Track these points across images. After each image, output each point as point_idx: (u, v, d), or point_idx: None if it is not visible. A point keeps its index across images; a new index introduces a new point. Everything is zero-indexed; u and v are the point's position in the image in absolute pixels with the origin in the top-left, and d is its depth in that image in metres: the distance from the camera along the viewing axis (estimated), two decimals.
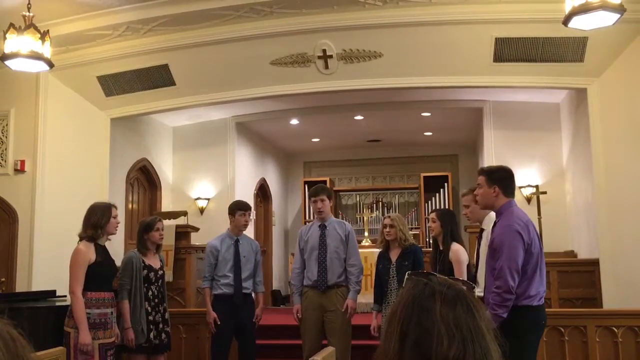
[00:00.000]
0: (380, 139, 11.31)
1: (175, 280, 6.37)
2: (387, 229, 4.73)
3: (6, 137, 6.29)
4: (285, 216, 12.25)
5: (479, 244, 4.09)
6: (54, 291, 5.18)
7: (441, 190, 11.34)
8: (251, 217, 8.88)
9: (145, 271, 4.54)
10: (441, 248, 4.55)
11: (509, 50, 5.88)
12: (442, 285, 1.15)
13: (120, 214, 5.06)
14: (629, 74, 5.83)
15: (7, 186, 6.19)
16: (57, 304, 4.70)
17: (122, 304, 4.41)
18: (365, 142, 11.48)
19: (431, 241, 5.71)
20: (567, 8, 4.23)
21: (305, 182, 11.72)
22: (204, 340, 5.35)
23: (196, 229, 6.95)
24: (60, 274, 4.76)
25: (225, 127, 9.31)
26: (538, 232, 3.59)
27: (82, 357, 3.93)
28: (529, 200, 7.81)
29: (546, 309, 3.58)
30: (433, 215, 4.69)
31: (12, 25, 4.67)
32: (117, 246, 6.65)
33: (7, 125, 6.29)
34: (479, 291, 3.65)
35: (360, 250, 5.18)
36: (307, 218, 11.38)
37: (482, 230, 4.13)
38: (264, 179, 10.89)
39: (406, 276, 1.26)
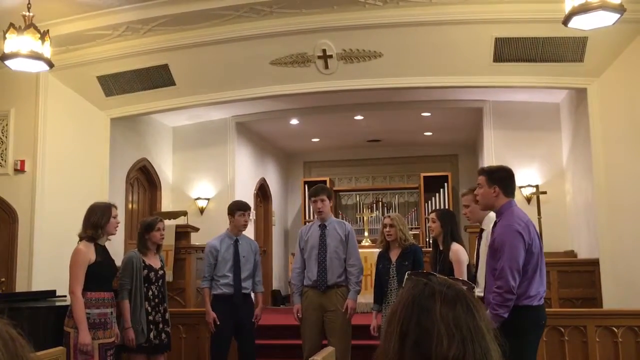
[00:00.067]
0: (380, 139, 11.31)
1: (175, 280, 6.37)
2: (387, 229, 4.73)
3: (6, 137, 6.29)
4: (285, 216, 12.25)
5: (479, 244, 4.09)
6: (54, 291, 5.18)
7: (441, 190, 11.34)
8: (251, 217, 8.91)
9: (146, 271, 4.54)
10: (441, 248, 4.55)
11: (509, 50, 5.88)
12: (441, 285, 1.15)
13: (120, 214, 5.06)
14: (629, 74, 5.83)
15: (7, 186, 6.19)
16: (57, 304, 4.70)
17: (123, 303, 4.42)
18: (365, 142, 11.48)
19: (431, 241, 5.71)
20: (567, 8, 4.23)
21: (305, 182, 11.72)
22: (204, 340, 5.35)
23: (196, 229, 6.95)
24: (60, 274, 4.76)
25: (225, 127, 9.31)
26: (538, 232, 3.59)
27: (82, 357, 3.93)
28: (529, 200, 7.81)
29: (546, 309, 3.58)
30: (433, 215, 4.69)
31: (12, 25, 4.67)
32: (117, 246, 6.65)
33: (7, 125, 6.29)
34: (478, 291, 3.65)
35: (360, 250, 5.18)
36: (307, 218, 11.38)
37: (482, 230, 4.13)
38: (264, 179, 10.89)
39: (406, 276, 1.26)
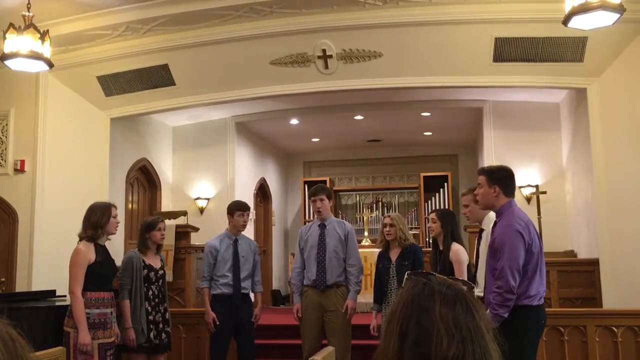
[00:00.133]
0: (380, 139, 11.31)
1: (175, 280, 6.37)
2: (387, 229, 4.73)
3: (6, 137, 6.29)
4: (285, 216, 12.25)
5: (479, 244, 4.10)
6: (54, 291, 5.18)
7: (441, 190, 11.34)
8: (251, 217, 8.90)
9: (146, 271, 4.54)
10: (441, 248, 4.55)
11: (509, 50, 5.88)
12: (441, 285, 1.15)
13: (120, 214, 5.06)
14: (628, 74, 5.83)
15: (7, 186, 6.19)
16: (57, 303, 4.71)
17: (123, 303, 4.42)
18: (365, 142, 11.48)
19: (431, 241, 5.71)
20: (567, 8, 4.23)
21: (305, 182, 11.72)
22: (204, 340, 5.35)
23: (196, 229, 6.95)
24: (60, 274, 4.76)
25: (225, 127, 9.31)
26: (538, 232, 3.59)
27: (82, 357, 3.93)
28: (528, 200, 7.81)
29: (546, 309, 3.58)
30: (433, 215, 4.69)
31: (11, 25, 4.67)
32: (117, 246, 6.65)
33: (7, 125, 6.29)
34: (478, 291, 3.65)
35: (360, 250, 5.18)
36: (307, 218, 11.38)
37: (481, 230, 4.13)
38: (264, 178, 10.89)
39: (405, 276, 1.26)
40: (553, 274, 6.18)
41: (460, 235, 4.72)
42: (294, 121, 9.78)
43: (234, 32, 6.03)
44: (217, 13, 5.77)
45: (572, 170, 7.44)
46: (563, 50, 5.77)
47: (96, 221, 4.16)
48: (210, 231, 6.40)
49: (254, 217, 9.99)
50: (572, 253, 7.30)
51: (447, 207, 10.69)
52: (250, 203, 9.58)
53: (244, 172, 9.75)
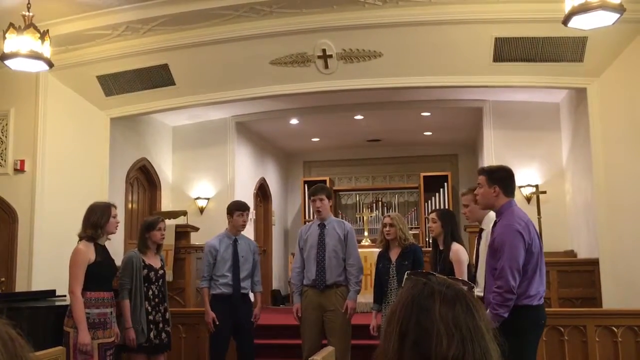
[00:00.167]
0: (380, 139, 11.31)
1: (175, 280, 6.37)
2: (387, 229, 4.73)
3: (6, 136, 6.29)
4: (285, 216, 12.25)
5: (478, 244, 4.09)
6: (54, 291, 5.18)
7: (441, 190, 11.34)
8: (251, 217, 8.90)
9: (146, 271, 4.54)
10: (441, 248, 4.55)
11: (509, 50, 5.88)
12: (441, 284, 1.15)
13: (120, 214, 5.06)
14: (628, 74, 5.83)
15: (6, 186, 6.19)
16: (57, 303, 4.71)
17: (123, 303, 4.42)
18: (365, 142, 11.48)
19: (430, 241, 5.71)
20: (567, 8, 4.23)
21: (305, 182, 11.72)
22: (204, 340, 5.35)
23: (196, 229, 6.95)
24: (60, 274, 4.76)
25: (225, 127, 9.31)
26: (538, 231, 3.59)
27: (82, 356, 3.93)
28: (528, 199, 7.81)
29: (546, 309, 3.58)
30: (433, 215, 4.68)
31: (11, 25, 4.67)
32: (117, 246, 6.65)
33: (6, 125, 6.29)
34: (478, 291, 3.65)
35: (360, 250, 5.17)
36: (307, 218, 11.37)
37: (481, 230, 4.13)
38: (264, 178, 10.89)
39: (405, 276, 1.26)
40: (553, 274, 6.18)
41: (460, 235, 4.72)
42: (294, 121, 9.78)
43: (234, 32, 6.03)
44: (217, 13, 5.77)
45: (572, 170, 7.44)
46: (563, 50, 5.77)
47: (96, 221, 4.16)
48: (210, 231, 6.39)
49: (254, 217, 9.99)
50: (572, 253, 7.30)
51: (447, 207, 10.69)
52: (250, 203, 9.57)
53: (243, 172, 9.75)
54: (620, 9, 4.10)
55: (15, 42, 4.65)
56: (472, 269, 4.27)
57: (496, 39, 5.79)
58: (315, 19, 5.85)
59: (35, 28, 4.71)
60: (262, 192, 10.92)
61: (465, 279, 4.06)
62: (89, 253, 4.10)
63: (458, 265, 4.37)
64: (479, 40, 5.83)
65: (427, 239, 10.55)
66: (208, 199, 9.19)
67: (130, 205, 8.36)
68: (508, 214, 3.44)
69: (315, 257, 4.83)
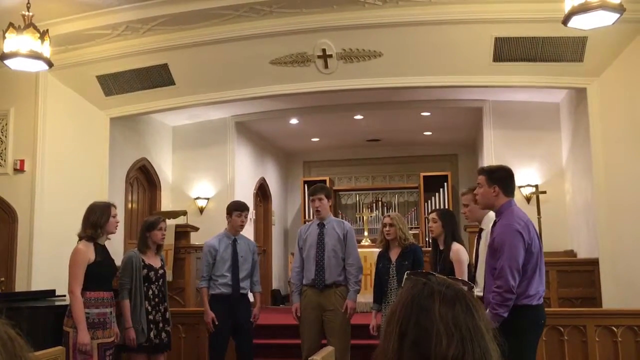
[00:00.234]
0: (380, 139, 11.31)
1: (174, 280, 6.37)
2: (387, 228, 4.73)
3: (5, 136, 6.29)
4: (285, 216, 12.25)
5: (478, 244, 4.09)
6: (54, 291, 5.18)
7: (441, 189, 11.34)
8: (251, 217, 8.90)
9: (145, 270, 4.54)
10: (441, 248, 4.54)
11: (509, 50, 5.88)
12: (441, 284, 1.15)
13: (120, 214, 5.07)
14: (628, 74, 5.83)
15: (6, 186, 6.19)
16: (57, 303, 4.71)
17: (123, 303, 4.42)
18: (365, 142, 11.48)
19: (430, 241, 5.71)
20: (567, 8, 4.23)
21: (305, 182, 11.72)
22: (204, 339, 5.35)
23: (196, 229, 6.95)
24: (60, 274, 4.76)
25: (225, 127, 9.31)
26: (538, 231, 3.59)
27: (81, 356, 3.93)
28: (528, 199, 7.81)
29: (546, 309, 3.58)
30: (434, 215, 4.68)
31: (11, 24, 4.67)
32: (116, 246, 6.65)
33: (6, 124, 6.29)
34: (478, 291, 3.65)
35: (360, 249, 5.17)
36: (306, 217, 11.37)
37: (481, 229, 4.13)
38: (264, 178, 10.89)
39: (405, 276, 1.26)
40: (553, 274, 6.18)
41: (460, 235, 4.72)
42: (294, 121, 9.78)
43: (234, 31, 6.03)
44: (217, 13, 5.77)
45: (571, 170, 7.44)
46: (563, 50, 5.77)
47: (96, 221, 4.15)
48: (209, 231, 6.39)
49: (254, 217, 9.99)
50: (571, 253, 7.31)
51: (447, 206, 10.69)
52: (250, 203, 9.58)
53: (243, 172, 9.75)
54: (620, 8, 4.10)
55: (15, 41, 4.65)
56: (472, 268, 4.27)
57: (496, 38, 5.79)
58: (315, 18, 5.85)
59: (35, 28, 4.71)
60: (262, 192, 10.92)
61: (466, 279, 4.06)
62: (89, 253, 4.09)
63: (458, 265, 4.36)
64: (479, 40, 5.82)
65: (427, 239, 10.55)
66: (208, 198, 9.19)
67: (130, 205, 8.36)
68: (508, 214, 3.44)
69: (314, 257, 4.83)
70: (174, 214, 7.01)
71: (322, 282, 4.78)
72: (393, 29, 5.88)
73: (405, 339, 1.10)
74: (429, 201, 11.42)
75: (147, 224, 4.74)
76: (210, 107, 8.13)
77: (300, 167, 12.51)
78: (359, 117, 9.63)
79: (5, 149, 6.27)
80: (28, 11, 4.77)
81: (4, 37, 4.71)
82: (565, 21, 4.31)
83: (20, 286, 5.95)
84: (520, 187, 7.73)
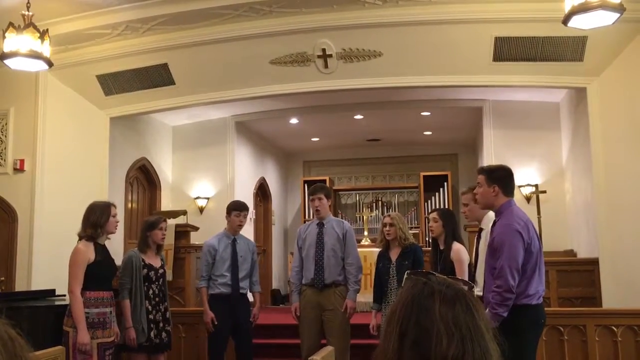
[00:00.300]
0: (380, 138, 11.31)
1: (174, 280, 6.37)
2: (387, 228, 4.73)
3: (5, 136, 6.28)
4: (285, 215, 12.25)
5: (478, 243, 4.09)
6: (54, 290, 5.18)
7: (441, 189, 11.34)
8: (251, 217, 8.89)
9: (145, 270, 4.54)
10: (442, 248, 4.54)
11: (509, 50, 5.88)
12: (441, 284, 1.15)
13: (120, 214, 5.07)
14: (628, 73, 5.83)
15: (6, 185, 6.19)
16: (57, 303, 4.70)
17: (123, 303, 4.42)
18: (365, 142, 11.48)
19: (430, 241, 5.71)
20: (567, 7, 4.23)
21: (305, 182, 11.72)
22: (203, 339, 5.34)
23: (196, 228, 6.95)
24: (60, 273, 4.76)
25: (225, 127, 9.31)
26: (537, 231, 3.59)
27: (81, 356, 3.93)
28: (528, 199, 7.81)
29: (546, 309, 3.58)
30: (434, 214, 4.67)
31: (11, 24, 4.66)
32: (116, 245, 6.65)
33: (6, 124, 6.29)
34: (477, 290, 3.65)
35: (360, 249, 5.17)
36: (306, 217, 11.37)
37: (480, 229, 4.13)
38: (264, 178, 10.89)
39: (405, 275, 1.26)
40: (553, 274, 6.18)
41: (461, 234, 4.72)
42: (294, 120, 9.78)
43: (234, 31, 6.03)
44: (217, 12, 5.77)
45: (571, 170, 7.44)
46: (563, 49, 5.77)
47: (96, 220, 4.15)
48: (209, 230, 6.39)
49: (254, 217, 9.99)
50: (571, 252, 7.31)
51: (446, 206, 10.69)
52: (250, 202, 9.58)
53: (243, 172, 9.75)
54: (620, 8, 4.10)
55: (14, 41, 4.64)
56: (472, 268, 4.27)
57: (496, 38, 5.79)
58: (315, 18, 5.85)
59: (35, 27, 4.71)
60: (262, 191, 10.92)
61: (466, 278, 4.06)
62: (89, 252, 4.09)
63: (459, 265, 4.36)
64: (479, 39, 5.82)
65: (427, 239, 10.55)
66: (208, 198, 9.19)
67: (130, 205, 8.36)
68: (507, 214, 3.44)
69: (313, 256, 4.83)
70: (174, 214, 7.01)
71: (322, 282, 4.78)
72: (393, 28, 5.88)
73: (406, 339, 1.10)
74: (429, 201, 11.42)
75: (147, 223, 4.74)
76: (210, 106, 8.13)
77: (300, 167, 12.51)
78: (359, 116, 9.63)
79: (5, 148, 6.27)
80: (28, 11, 4.77)
81: (4, 37, 4.71)
82: (565, 21, 4.31)
83: (20, 286, 5.95)
84: (520, 186, 7.73)
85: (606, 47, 5.72)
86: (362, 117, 9.65)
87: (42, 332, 4.21)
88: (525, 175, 7.85)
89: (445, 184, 11.32)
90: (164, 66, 6.49)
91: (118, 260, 4.65)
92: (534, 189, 7.69)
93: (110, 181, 7.20)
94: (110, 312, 4.17)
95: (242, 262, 4.98)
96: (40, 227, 6.13)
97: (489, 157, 8.07)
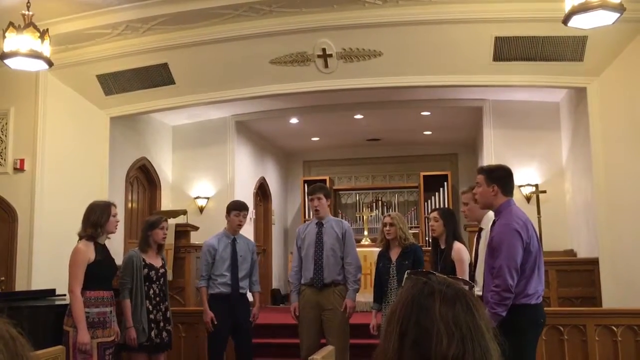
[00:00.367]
0: (380, 138, 11.31)
1: (174, 279, 6.38)
2: (387, 228, 4.73)
3: (6, 136, 6.29)
4: (285, 215, 12.25)
5: (478, 243, 4.09)
6: (54, 290, 5.18)
7: (441, 189, 11.34)
8: (251, 217, 8.89)
9: (146, 270, 4.55)
10: (443, 247, 4.54)
11: (509, 49, 5.88)
12: (441, 284, 1.15)
13: (120, 213, 5.06)
14: (628, 73, 5.83)
15: (6, 185, 6.19)
16: (57, 302, 4.70)
17: (124, 303, 4.42)
18: (365, 141, 11.48)
19: (430, 240, 5.71)
20: (567, 7, 4.23)
21: (305, 181, 11.72)
22: (203, 339, 5.34)
23: (196, 228, 6.95)
24: (60, 273, 4.76)
25: (225, 126, 9.31)
26: (537, 231, 3.59)
27: (81, 356, 3.93)
28: (528, 199, 7.81)
29: (546, 308, 3.58)
30: (435, 214, 4.67)
31: (11, 24, 4.67)
32: (116, 245, 6.65)
33: (6, 124, 6.29)
34: (477, 290, 3.65)
35: (360, 249, 5.17)
36: (306, 217, 11.37)
37: (480, 229, 4.13)
38: (264, 178, 10.89)
39: (405, 275, 1.26)
40: (553, 273, 6.19)
41: (461, 234, 4.72)
42: (294, 120, 9.78)
43: (234, 31, 6.03)
44: (217, 12, 5.77)
45: (571, 170, 7.44)
46: (563, 49, 5.77)
47: (96, 220, 4.15)
48: (209, 230, 6.39)
49: (254, 216, 9.99)
50: (571, 252, 7.31)
51: (446, 206, 10.68)
52: (250, 202, 9.58)
53: (243, 171, 9.75)
54: (620, 8, 4.10)
55: (14, 41, 4.64)
56: (472, 268, 4.27)
57: (496, 38, 5.79)
58: (315, 18, 5.85)
59: (35, 27, 4.71)
60: (262, 191, 10.92)
61: (467, 278, 4.06)
62: (89, 252, 4.09)
63: (460, 264, 4.36)
64: (479, 39, 5.82)
65: (427, 239, 10.55)
66: (208, 198, 9.19)
67: (130, 205, 8.36)
68: (506, 213, 3.44)
69: (313, 256, 4.83)
70: (174, 214, 7.01)
71: (321, 281, 4.78)
72: (393, 28, 5.88)
73: (406, 339, 1.10)
74: (429, 201, 11.42)
75: (149, 223, 4.75)
76: (210, 106, 8.13)
77: (300, 167, 12.51)
78: (359, 116, 9.63)
79: (5, 148, 6.27)
80: (28, 10, 4.77)
81: (4, 37, 4.71)
82: (565, 21, 4.31)
83: (20, 285, 5.95)
84: (520, 186, 7.73)
85: (606, 47, 5.72)
86: (362, 116, 9.65)
87: (43, 332, 4.21)
88: (525, 175, 7.85)
89: (445, 183, 11.32)
90: (164, 66, 6.49)
91: (118, 260, 4.65)
92: (534, 188, 7.69)
93: (110, 181, 7.20)
94: (111, 311, 4.17)
95: (241, 262, 4.98)
96: (41, 226, 6.13)
97: (489, 157, 8.07)
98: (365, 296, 6.68)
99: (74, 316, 3.97)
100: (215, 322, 4.82)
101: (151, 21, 5.89)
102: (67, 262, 4.11)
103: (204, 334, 5.29)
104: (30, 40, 4.67)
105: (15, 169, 6.19)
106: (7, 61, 4.80)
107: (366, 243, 8.88)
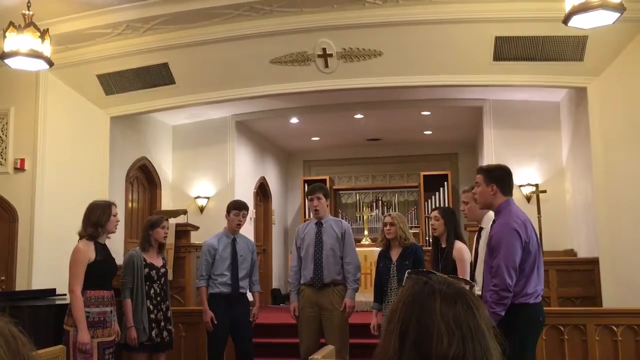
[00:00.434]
0: (380, 138, 11.31)
1: (175, 279, 6.38)
2: (388, 228, 4.73)
3: (6, 135, 6.29)
4: (285, 215, 12.25)
5: (478, 243, 4.10)
6: (54, 290, 5.18)
7: (441, 189, 11.34)
8: (251, 216, 8.89)
9: (147, 269, 4.55)
10: (444, 246, 4.54)
11: (509, 49, 5.88)
12: (441, 283, 1.15)
13: (120, 213, 5.07)
14: (628, 73, 5.83)
15: (6, 185, 6.19)
16: (57, 302, 4.71)
17: (125, 302, 4.42)
18: (365, 141, 11.48)
19: (431, 240, 5.71)
20: (567, 7, 4.23)
21: (305, 181, 11.71)
22: (203, 338, 5.35)
23: (196, 228, 6.95)
24: (60, 273, 4.76)
25: (225, 126, 9.31)
26: (536, 230, 3.59)
27: (81, 355, 3.93)
28: (528, 199, 7.81)
29: (546, 308, 3.58)
30: (436, 213, 4.67)
31: (11, 23, 4.67)
32: (117, 245, 6.65)
33: (7, 123, 6.29)
34: (477, 289, 3.66)
35: (360, 249, 5.18)
36: (306, 217, 11.36)
37: (480, 228, 4.13)
38: (264, 177, 10.89)
39: (406, 275, 1.26)
40: (553, 273, 6.19)
41: (462, 233, 4.72)
42: (294, 120, 9.78)
43: (234, 30, 6.03)
44: (217, 12, 5.77)
45: (572, 169, 7.44)
46: (563, 49, 5.77)
47: (96, 219, 4.15)
48: (210, 230, 6.40)
49: (254, 216, 9.99)
50: (571, 252, 7.31)
51: (447, 205, 10.68)
52: (250, 202, 9.58)
53: (243, 171, 9.75)
54: (620, 8, 4.11)
55: (15, 40, 4.65)
56: (472, 267, 4.27)
57: (496, 37, 5.79)
58: (315, 17, 5.85)
59: (35, 27, 4.71)
60: (262, 191, 10.92)
61: (468, 277, 4.07)
62: (89, 252, 4.09)
63: (461, 264, 4.36)
64: (479, 39, 5.83)
65: (427, 238, 10.55)
66: (208, 198, 9.19)
67: (130, 204, 8.35)
68: (506, 213, 3.44)
69: (312, 256, 4.83)
70: (174, 213, 7.01)
71: (320, 281, 4.78)
72: (393, 28, 5.88)
73: (406, 338, 1.10)
74: (429, 200, 11.42)
75: (150, 222, 4.75)
76: (211, 106, 8.12)
77: (300, 166, 12.50)
78: (359, 116, 9.63)
79: (5, 148, 6.27)
80: (28, 10, 4.78)
81: (5, 36, 4.71)
82: (565, 20, 4.31)
83: (20, 285, 5.95)
84: (520, 186, 7.73)
85: (606, 46, 5.72)
86: (362, 116, 9.65)
87: (43, 332, 4.22)
88: (525, 175, 7.85)
89: (446, 183, 11.32)
90: (165, 66, 6.49)
91: (118, 259, 4.65)
92: (534, 188, 7.69)
93: (111, 180, 7.20)
94: (111, 311, 4.17)
95: (241, 262, 4.98)
96: (41, 226, 6.13)
97: (489, 157, 8.07)
98: (365, 296, 6.68)
99: (74, 316, 3.97)
100: (215, 322, 4.82)
101: (151, 21, 5.89)
102: (68, 262, 4.11)
103: (204, 334, 5.30)
104: (31, 40, 4.67)
105: (15, 168, 6.20)
106: (7, 61, 4.80)
107: (366, 243, 8.88)
